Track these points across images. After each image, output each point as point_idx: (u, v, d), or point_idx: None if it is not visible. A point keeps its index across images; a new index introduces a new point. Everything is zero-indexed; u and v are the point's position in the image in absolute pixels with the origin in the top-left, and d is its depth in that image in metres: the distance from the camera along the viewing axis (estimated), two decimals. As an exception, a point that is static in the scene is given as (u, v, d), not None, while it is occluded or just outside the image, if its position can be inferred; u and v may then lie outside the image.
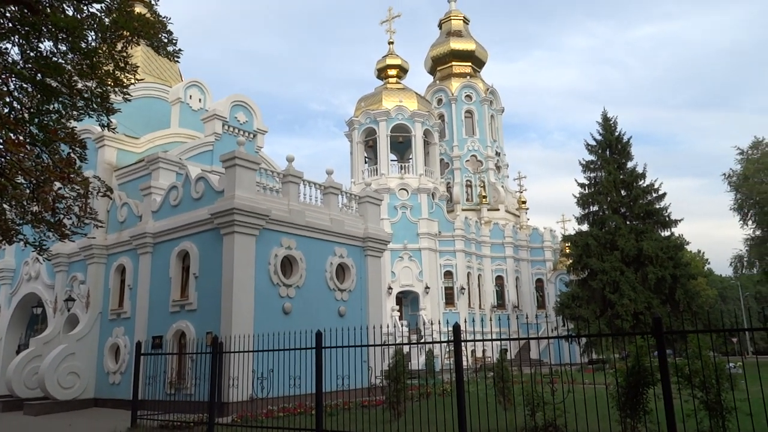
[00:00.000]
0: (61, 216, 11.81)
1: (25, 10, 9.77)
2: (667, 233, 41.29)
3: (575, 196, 43.48)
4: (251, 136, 26.39)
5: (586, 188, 43.48)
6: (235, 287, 17.99)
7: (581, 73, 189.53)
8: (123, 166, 25.06)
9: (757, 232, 43.43)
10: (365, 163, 53.85)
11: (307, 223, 20.86)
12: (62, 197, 11.66)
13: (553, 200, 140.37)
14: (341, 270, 22.33)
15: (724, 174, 44.45)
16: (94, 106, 11.39)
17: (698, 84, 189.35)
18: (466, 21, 68.88)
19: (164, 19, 11.61)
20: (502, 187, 62.32)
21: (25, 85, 10.45)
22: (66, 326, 24.12)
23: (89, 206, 14.23)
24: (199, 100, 28.56)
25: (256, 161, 19.69)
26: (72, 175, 10.90)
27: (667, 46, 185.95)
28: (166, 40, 11.54)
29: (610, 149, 43.50)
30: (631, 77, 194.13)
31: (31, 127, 10.53)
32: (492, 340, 10.04)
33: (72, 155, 11.28)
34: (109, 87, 11.37)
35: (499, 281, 54.13)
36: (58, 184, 11.72)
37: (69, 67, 10.73)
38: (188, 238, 20.25)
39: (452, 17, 68.34)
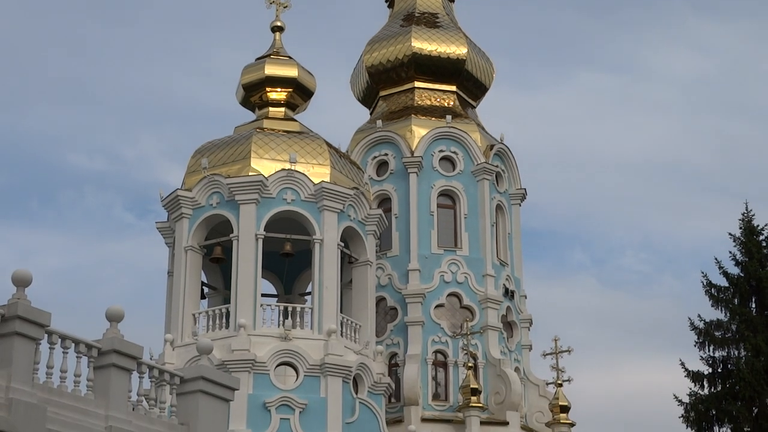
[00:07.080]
0: None
1: None
2: None
3: (679, 401, 23.58)
4: None
5: (706, 383, 23.82)
6: None
7: (675, 123, 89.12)
8: None
9: None
10: (203, 297, 25.28)
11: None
12: None
13: (625, 400, 75.66)
14: None
15: None
16: None
17: None
18: (447, -5, 34.15)
19: None
20: (517, 369, 27.84)
21: None
22: None
23: None
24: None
25: None
26: None
27: None
28: None
29: (760, 299, 23.89)
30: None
31: None
32: None
33: None
34: None
35: None
36: None
37: None
38: None
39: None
